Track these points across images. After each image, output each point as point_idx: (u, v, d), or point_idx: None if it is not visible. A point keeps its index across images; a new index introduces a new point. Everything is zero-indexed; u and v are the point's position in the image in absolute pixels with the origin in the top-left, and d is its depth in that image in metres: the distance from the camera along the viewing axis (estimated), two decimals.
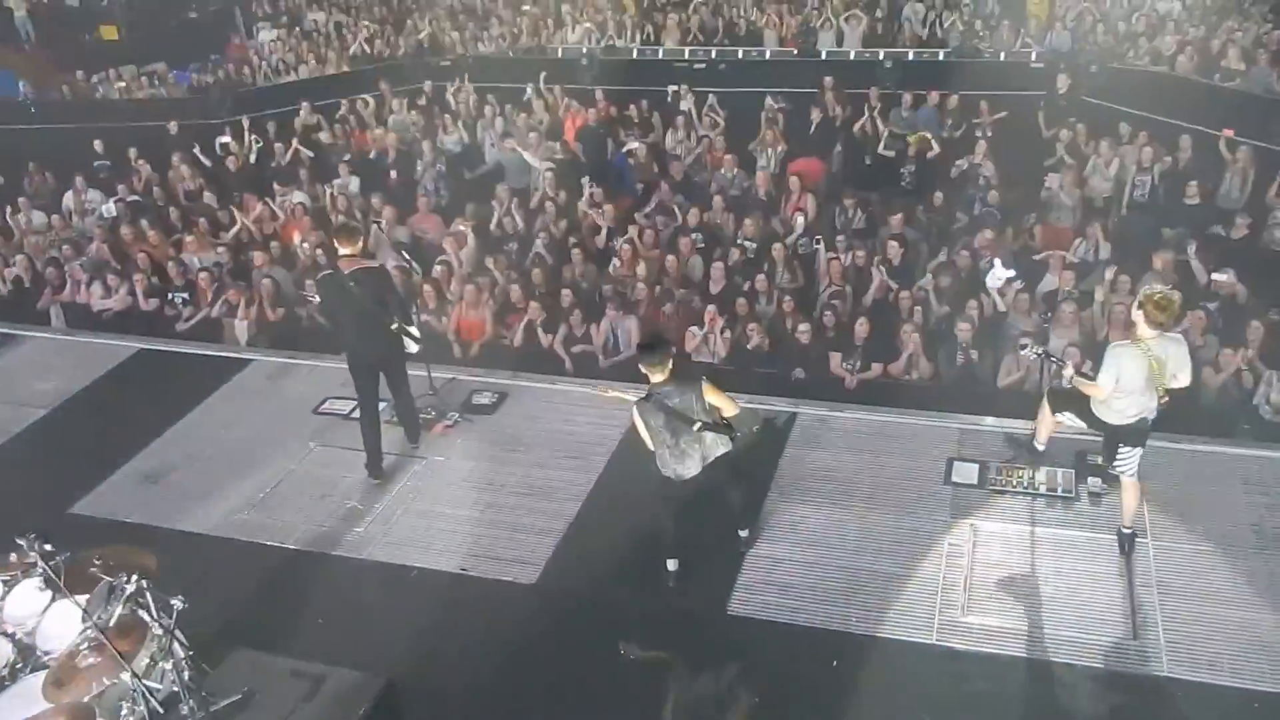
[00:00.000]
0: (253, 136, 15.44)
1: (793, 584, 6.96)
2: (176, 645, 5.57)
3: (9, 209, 14.16)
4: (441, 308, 10.88)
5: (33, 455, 9.11)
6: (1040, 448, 7.66)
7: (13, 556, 6.11)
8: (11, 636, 5.73)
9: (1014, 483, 7.64)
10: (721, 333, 10.03)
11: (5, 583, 5.99)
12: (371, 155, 14.82)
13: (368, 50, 19.62)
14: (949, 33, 17.11)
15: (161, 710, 5.48)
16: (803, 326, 9.88)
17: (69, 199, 14.46)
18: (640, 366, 6.50)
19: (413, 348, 8.23)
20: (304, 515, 7.97)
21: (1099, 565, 6.87)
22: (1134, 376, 6.41)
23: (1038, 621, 6.51)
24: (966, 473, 7.81)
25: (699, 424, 6.41)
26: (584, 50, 17.84)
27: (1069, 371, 6.77)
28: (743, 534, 7.32)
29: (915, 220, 11.85)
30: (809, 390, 9.24)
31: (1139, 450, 6.74)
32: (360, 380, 8.17)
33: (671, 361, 6.49)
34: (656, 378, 6.42)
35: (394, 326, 7.96)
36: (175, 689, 5.55)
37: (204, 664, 5.87)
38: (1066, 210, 11.75)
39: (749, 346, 9.97)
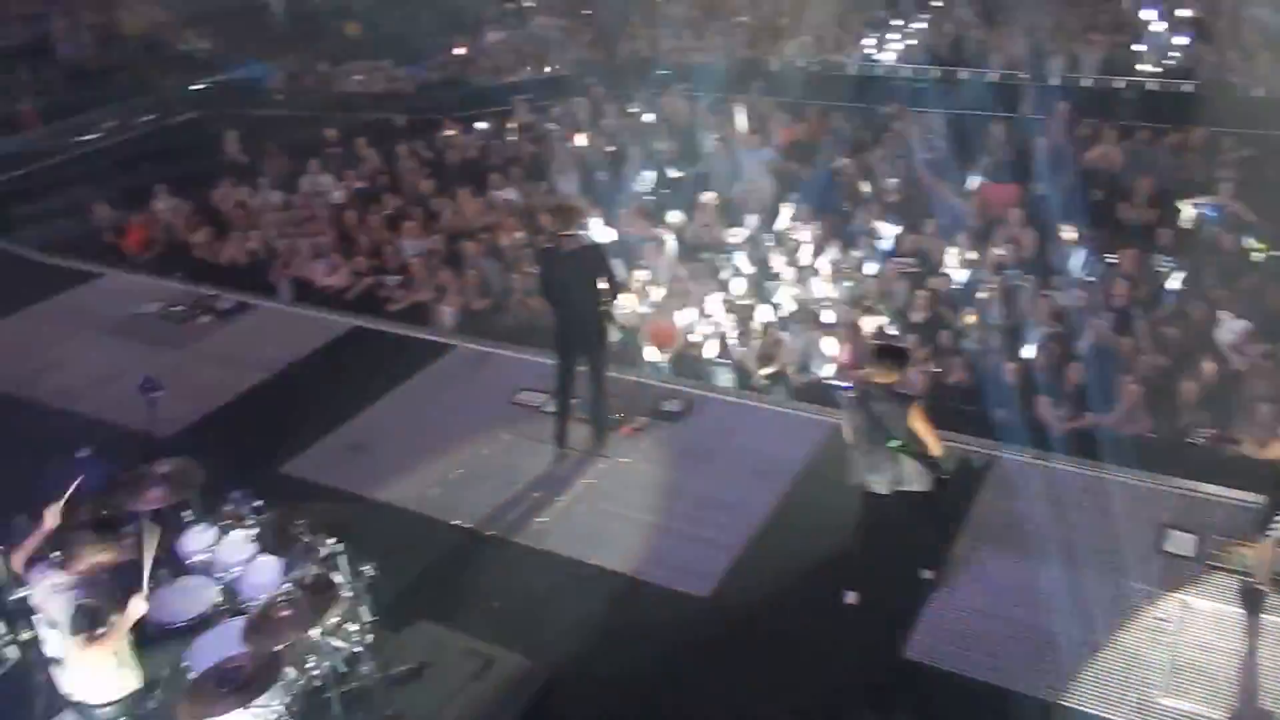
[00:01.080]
0: (469, 132, 16.08)
1: (976, 636, 6.66)
2: (363, 609, 5.85)
3: (250, 187, 15.22)
4: (637, 311, 11.00)
5: (252, 416, 9.75)
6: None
7: (227, 507, 6.57)
8: (219, 580, 6.13)
9: (1235, 561, 7.00)
10: (922, 363, 9.73)
11: (220, 529, 6.43)
12: (583, 158, 15.15)
13: (587, 55, 20.11)
14: (1197, 62, 16.05)
15: (344, 669, 5.78)
16: (1010, 365, 9.47)
17: (304, 181, 15.41)
18: (871, 364, 6.58)
19: (615, 334, 8.40)
20: (490, 500, 8.22)
21: None
22: None
23: (1246, 717, 6.01)
24: (1182, 543, 7.26)
25: (897, 443, 6.34)
26: (801, 63, 17.73)
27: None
28: (926, 575, 7.07)
29: (1145, 262, 11.15)
30: (1012, 434, 8.84)
31: None
32: (563, 355, 8.48)
33: (898, 376, 6.51)
34: (879, 378, 6.43)
35: (603, 309, 8.17)
36: (357, 650, 5.83)
37: (385, 630, 6.14)
38: None
39: (949, 381, 9.63)
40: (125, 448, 7.29)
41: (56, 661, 5.40)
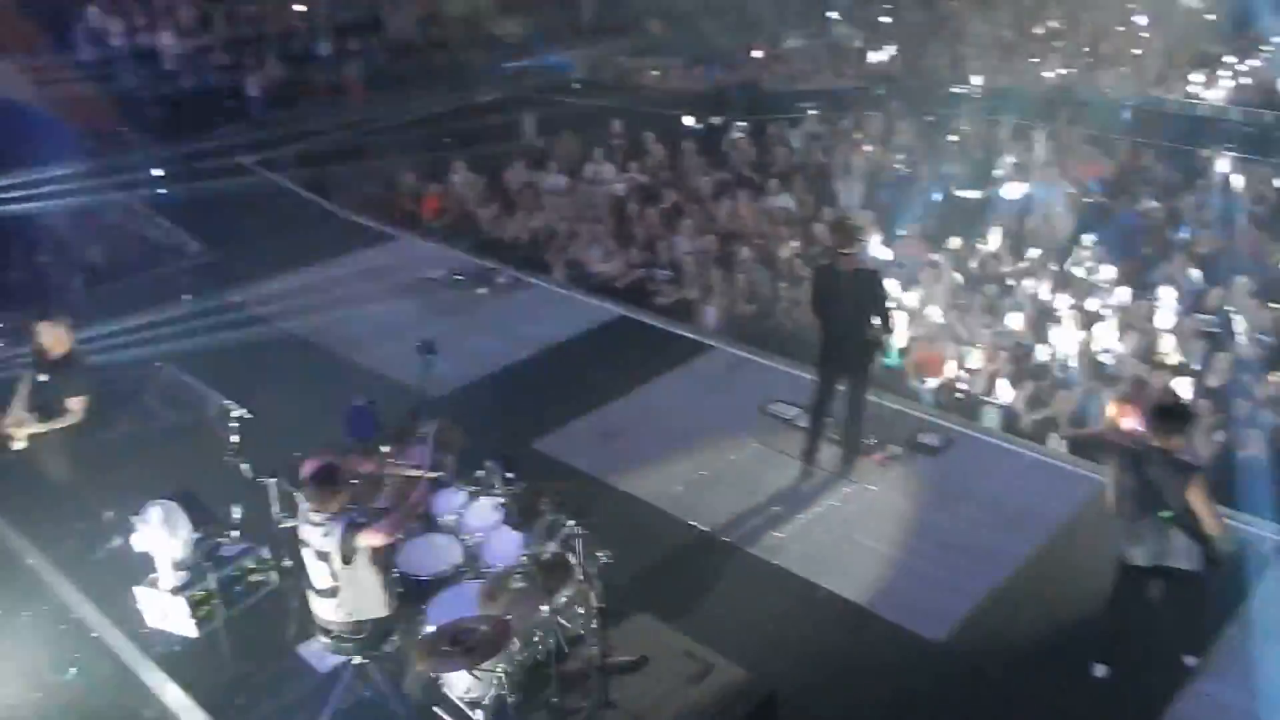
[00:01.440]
0: (756, 136, 16.09)
1: None
2: (593, 594, 5.91)
3: (540, 170, 15.87)
4: (906, 339, 10.63)
5: (512, 389, 10.13)
6: None
7: (479, 474, 6.82)
8: (464, 543, 6.37)
9: None
10: (1211, 432, 8.89)
11: (470, 494, 6.68)
12: (869, 173, 14.83)
13: (885, 69, 19.69)
14: None
15: (566, 649, 5.87)
16: None
17: (588, 169, 15.91)
18: (1151, 424, 5.95)
19: (880, 359, 8.21)
20: (730, 506, 8.15)
21: None
22: None
23: None
24: None
25: (1170, 514, 5.76)
26: (1114, 96, 16.63)
27: None
28: (1190, 661, 6.46)
29: None
30: None
31: None
32: (825, 373, 8.36)
33: (1180, 441, 5.90)
34: (1155, 443, 5.85)
35: (871, 335, 7.98)
36: (581, 633, 5.91)
37: (610, 618, 6.18)
38: None
39: (1241, 453, 8.73)
40: (396, 403, 7.70)
41: (315, 589, 5.75)
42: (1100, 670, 6.35)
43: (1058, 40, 19.89)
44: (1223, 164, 13.47)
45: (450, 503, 6.68)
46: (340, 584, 5.63)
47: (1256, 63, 17.48)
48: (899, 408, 9.35)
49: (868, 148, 15.60)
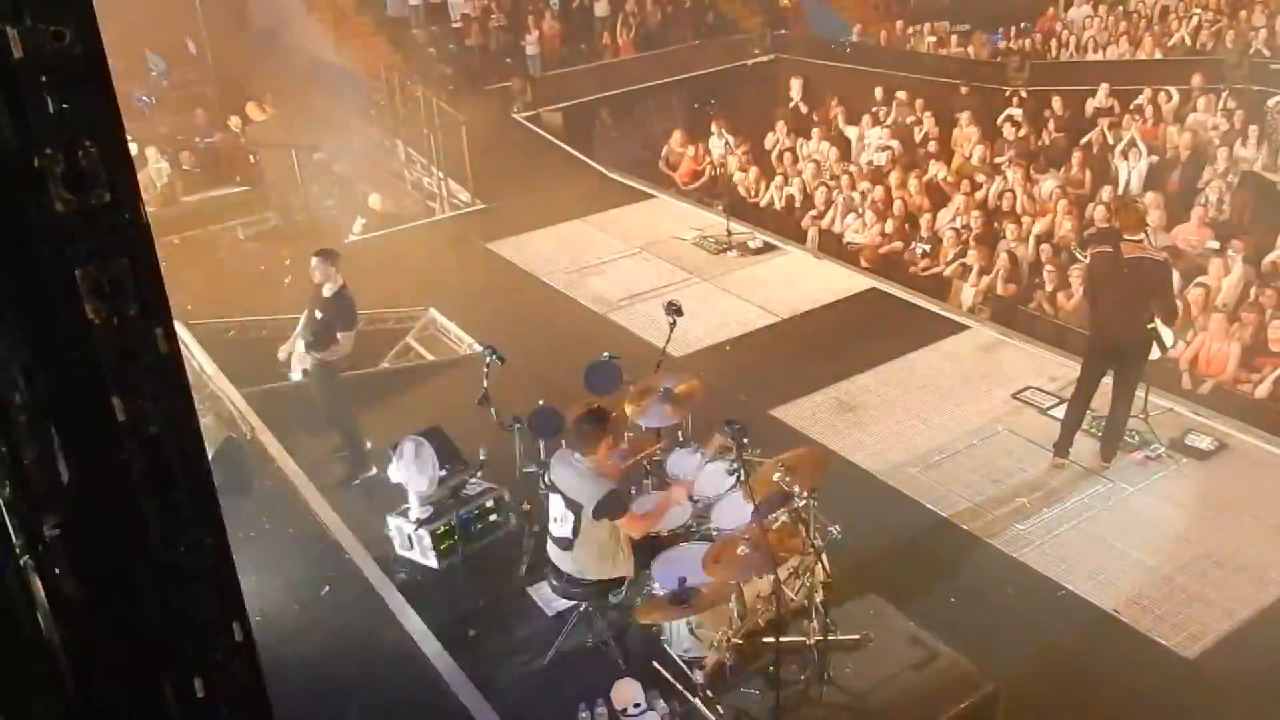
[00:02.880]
0: (1036, 109, 15.22)
1: None
2: (820, 567, 5.86)
3: (803, 136, 15.67)
4: (1183, 332, 9.85)
5: (757, 354, 10.12)
6: None
7: (717, 437, 6.86)
8: (695, 504, 6.46)
9: None
10: None
11: (704, 456, 6.75)
12: (1160, 153, 13.76)
13: (1190, 41, 18.10)
14: None
15: (789, 619, 5.85)
16: None
17: (851, 136, 15.57)
18: None
19: (1156, 353, 7.75)
20: (971, 492, 7.86)
21: None
22: None
23: None
24: None
25: None
26: None
27: None
28: None
29: None
30: None
31: None
32: (1091, 363, 7.98)
33: None
34: None
35: (1150, 325, 7.49)
36: (806, 605, 5.88)
37: (836, 594, 6.12)
38: None
39: None
40: (640, 362, 7.88)
41: (557, 538, 5.99)
42: None
43: None
44: None
45: (686, 463, 6.77)
46: (579, 538, 5.82)
47: None
48: (1170, 405, 8.69)
49: (1160, 125, 14.44)
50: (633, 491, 6.42)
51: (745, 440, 6.60)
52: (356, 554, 7.26)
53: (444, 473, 6.88)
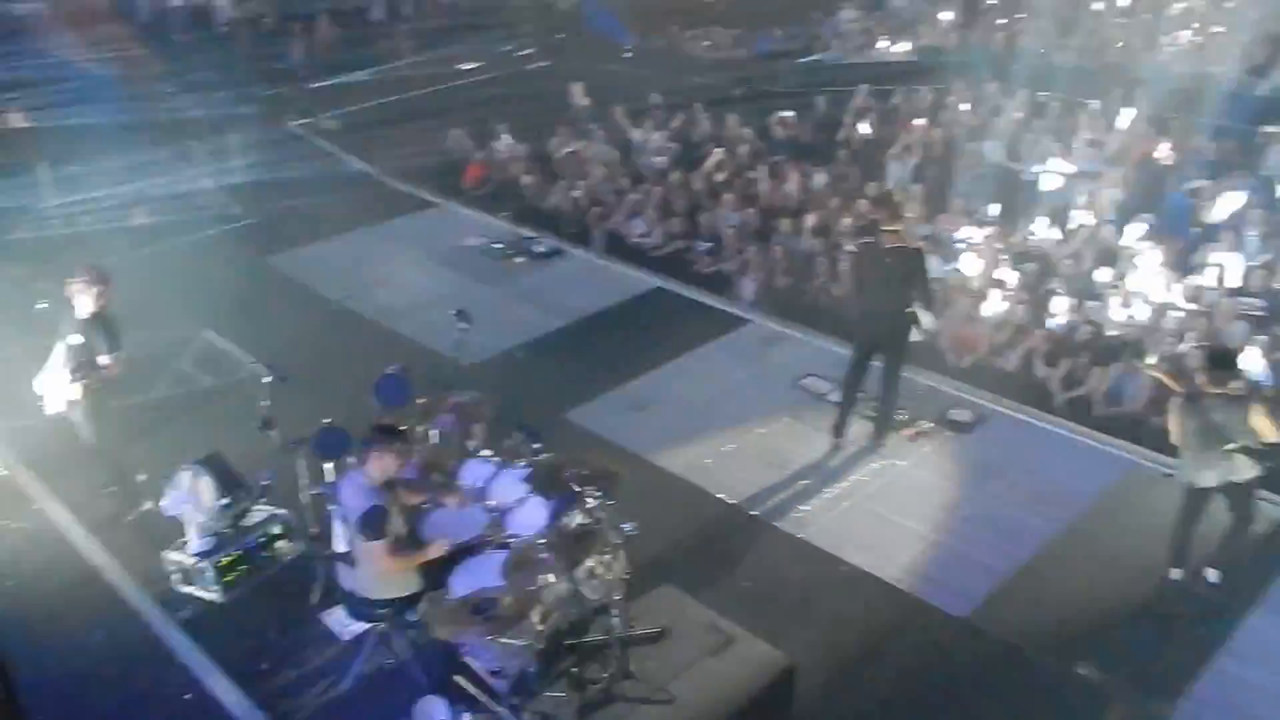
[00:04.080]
0: (804, 109, 15.93)
1: (1259, 718, 6.04)
2: (617, 565, 5.97)
3: (585, 139, 15.81)
4: (942, 314, 10.53)
5: (547, 359, 10.18)
6: None
7: (508, 443, 6.89)
8: (490, 512, 6.45)
9: None
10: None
11: (498, 464, 6.75)
12: (918, 148, 14.62)
13: (940, 43, 19.37)
14: None
15: (588, 620, 5.93)
16: None
17: (634, 139, 15.83)
18: (1202, 373, 6.77)
19: (916, 335, 8.28)
20: (758, 480, 8.19)
21: None
22: None
23: None
24: None
25: (1235, 445, 6.49)
26: (1175, 73, 16.20)
27: None
28: (1210, 578, 6.96)
29: None
30: None
31: None
32: (860, 348, 8.43)
33: (1235, 383, 6.71)
34: (1215, 388, 6.60)
35: (910, 311, 7.98)
36: (606, 603, 5.97)
37: (634, 590, 6.24)
38: None
39: None
40: (431, 371, 7.79)
41: (344, 556, 5.87)
42: (1176, 574, 6.92)
43: (1119, 17, 19.44)
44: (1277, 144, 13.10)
45: (478, 472, 6.76)
46: (361, 557, 5.72)
47: None
48: (932, 384, 9.31)
49: (918, 121, 15.37)
50: (429, 508, 6.34)
51: (539, 445, 6.69)
52: (132, 595, 6.90)
53: (225, 501, 6.61)
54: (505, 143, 15.83)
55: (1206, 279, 10.66)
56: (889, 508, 7.84)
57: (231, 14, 19.35)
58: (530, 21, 22.08)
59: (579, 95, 17.52)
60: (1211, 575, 6.97)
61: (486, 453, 6.83)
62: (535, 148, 15.83)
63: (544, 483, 6.45)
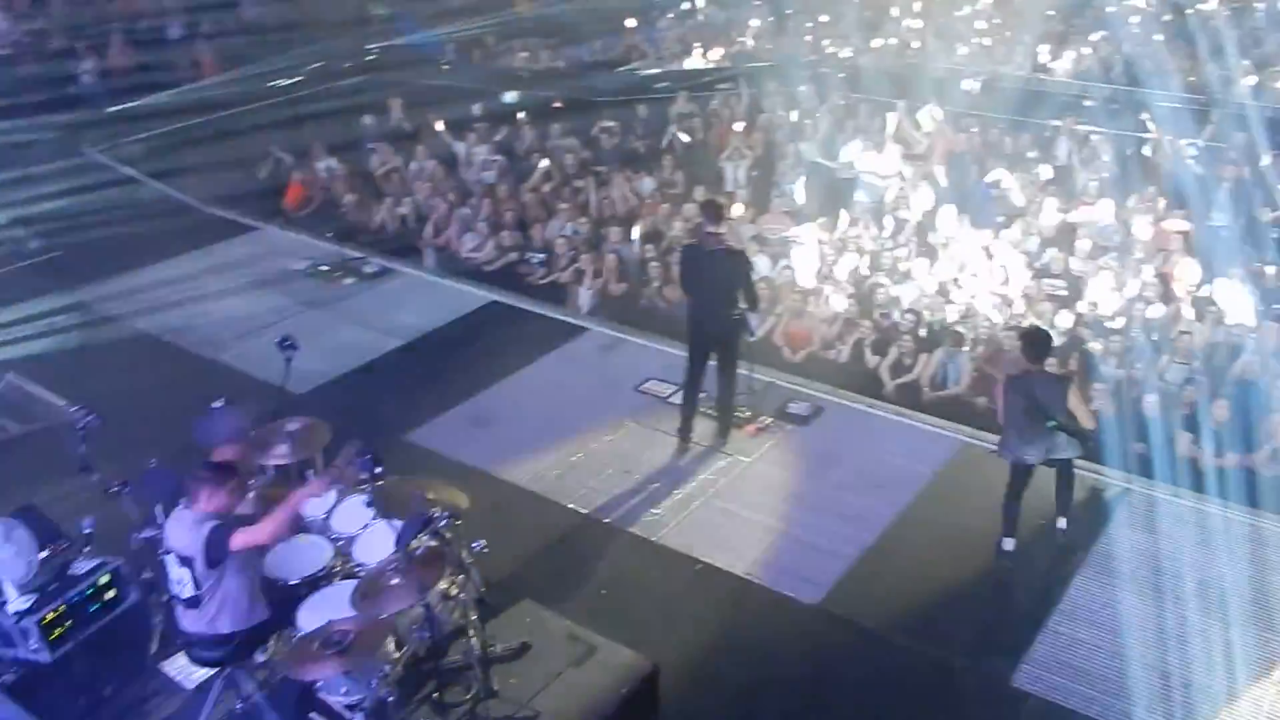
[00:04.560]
0: (626, 117, 16.10)
1: (1090, 671, 6.40)
2: (470, 585, 5.87)
3: (408, 154, 15.53)
4: (773, 312, 10.82)
5: (384, 381, 9.93)
6: None
7: (346, 471, 6.65)
8: (335, 542, 6.23)
9: None
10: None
11: (340, 491, 6.53)
12: (738, 151, 14.97)
13: (750, 47, 19.91)
14: None
15: (446, 641, 5.81)
16: (1150, 398, 8.96)
17: (459, 153, 15.65)
18: (1024, 353, 7.15)
19: (746, 339, 8.45)
20: (608, 487, 8.19)
21: None
22: None
23: None
24: None
25: (1055, 422, 6.85)
26: (968, 72, 17.16)
27: None
28: (1060, 525, 7.46)
29: None
30: (1149, 468, 8.36)
31: None
32: (695, 350, 8.51)
33: (1048, 360, 7.18)
34: (1033, 366, 7.02)
35: (737, 312, 8.08)
36: (462, 624, 5.85)
37: (491, 607, 6.15)
38: None
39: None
40: (260, 401, 7.47)
41: (181, 600, 5.55)
42: (1009, 544, 7.29)
43: (913, 21, 20.46)
44: (1071, 135, 14.02)
45: (319, 502, 6.51)
46: (204, 593, 5.44)
47: (1099, 40, 18.24)
48: (770, 379, 9.50)
49: (736, 126, 15.74)
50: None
51: (380, 469, 6.49)
52: None
53: (45, 554, 6.14)
54: (325, 162, 15.39)
55: (1014, 264, 11.28)
56: (737, 504, 7.97)
57: (14, 36, 18.13)
58: (344, 37, 21.55)
59: (398, 110, 17.20)
60: (1061, 523, 7.47)
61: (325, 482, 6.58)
62: (356, 165, 15.47)
63: (388, 507, 6.30)
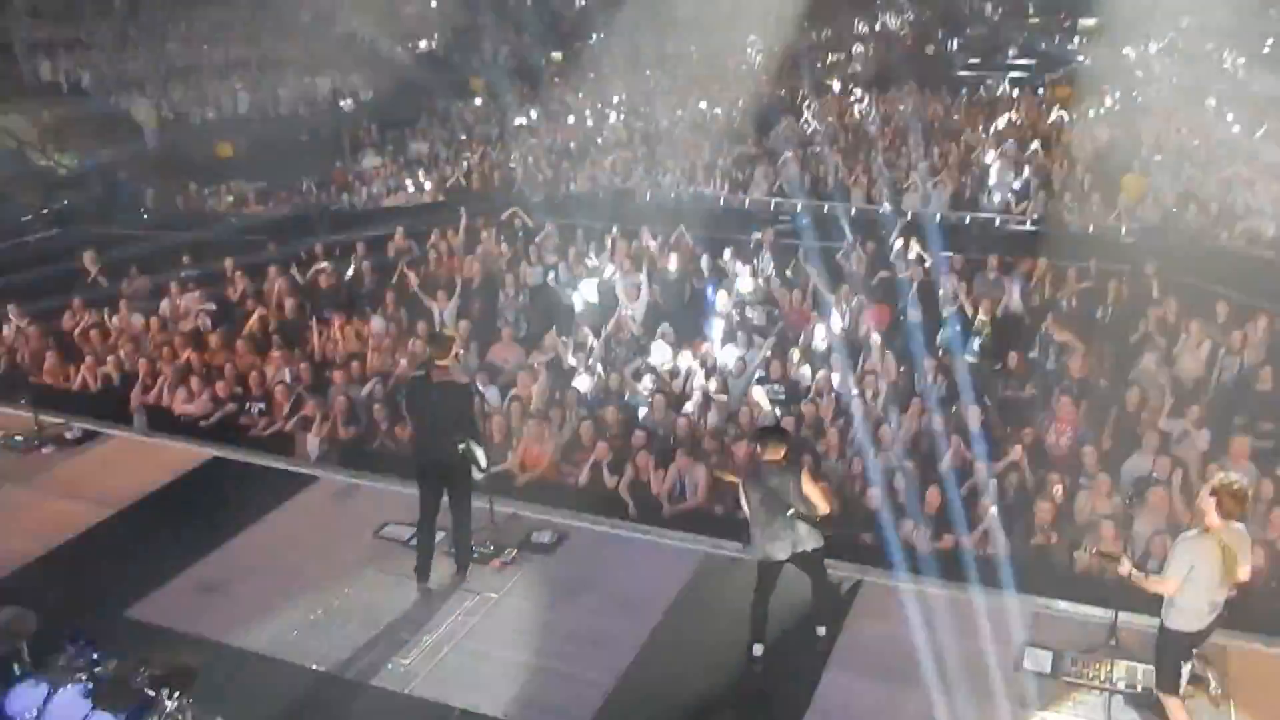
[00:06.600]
0: (341, 257, 15.97)
1: None
2: None
3: (108, 310, 14.65)
4: (509, 441, 10.89)
5: (99, 554, 9.15)
6: None
7: (61, 659, 6.11)
8: None
9: (1091, 676, 7.19)
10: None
11: (53, 683, 5.96)
12: (459, 283, 15.11)
13: (463, 182, 20.38)
14: (1036, 202, 17.35)
15: None
16: (872, 490, 9.65)
17: (164, 305, 14.91)
18: (757, 445, 7.33)
19: (477, 474, 8.34)
20: (352, 641, 7.84)
21: None
22: (1208, 569, 6.08)
23: None
24: (1040, 660, 7.39)
25: (793, 510, 7.04)
26: (672, 195, 18.33)
27: (1125, 568, 6.48)
28: (820, 632, 7.62)
29: (993, 388, 11.66)
30: (876, 558, 8.92)
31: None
32: (425, 487, 8.38)
33: (785, 451, 7.21)
34: (768, 456, 7.15)
35: (462, 447, 8.03)
36: None
37: None
38: (1157, 389, 11.32)
39: None
40: None
41: None
42: (758, 649, 7.43)
43: (614, 152, 21.79)
44: (766, 248, 15.23)
45: (28, 698, 5.91)
46: None
47: (786, 160, 20.03)
48: (512, 510, 9.49)
49: (454, 259, 15.92)
50: None
51: (97, 654, 6.01)
52: None
53: None
54: (13, 324, 14.25)
55: (734, 369, 11.99)
56: (489, 643, 7.82)
57: None
58: (27, 189, 20.29)
59: (90, 263, 16.15)
60: (820, 630, 7.63)
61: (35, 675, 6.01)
62: (50, 324, 14.42)
63: (110, 695, 5.82)
